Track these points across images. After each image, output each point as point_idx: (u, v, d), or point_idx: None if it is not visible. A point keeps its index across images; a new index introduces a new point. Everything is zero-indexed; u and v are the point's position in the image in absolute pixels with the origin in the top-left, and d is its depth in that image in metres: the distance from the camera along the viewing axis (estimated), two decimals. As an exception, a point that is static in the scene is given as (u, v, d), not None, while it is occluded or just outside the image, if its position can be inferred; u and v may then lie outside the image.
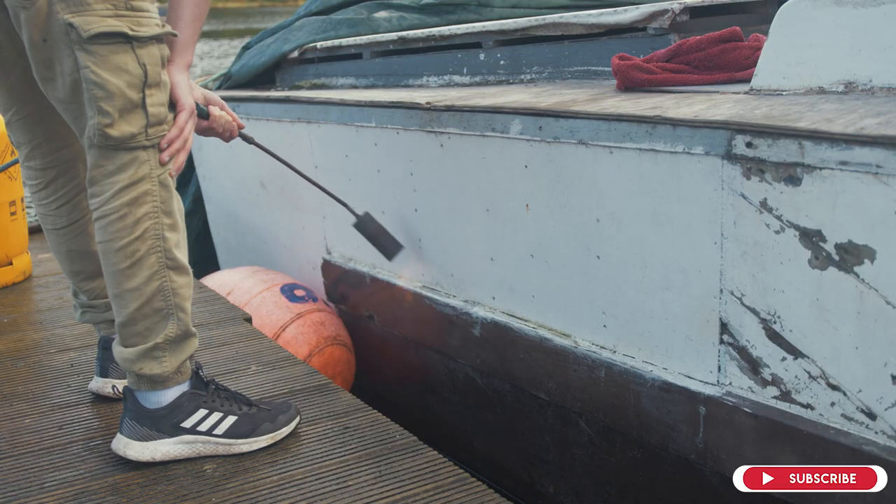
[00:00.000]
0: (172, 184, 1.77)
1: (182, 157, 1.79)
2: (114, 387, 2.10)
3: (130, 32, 1.64)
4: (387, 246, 2.62)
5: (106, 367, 2.12)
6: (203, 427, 1.83)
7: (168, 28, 1.73)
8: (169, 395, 1.80)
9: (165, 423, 1.80)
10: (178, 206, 1.79)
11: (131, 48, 1.65)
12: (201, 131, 2.04)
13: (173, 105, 1.77)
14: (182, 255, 1.79)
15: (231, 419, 1.86)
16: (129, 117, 1.66)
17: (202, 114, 1.99)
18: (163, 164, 1.74)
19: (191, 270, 1.82)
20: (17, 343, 2.62)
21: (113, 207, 1.69)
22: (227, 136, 2.09)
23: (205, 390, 1.86)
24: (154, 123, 1.70)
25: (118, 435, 1.82)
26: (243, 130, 2.17)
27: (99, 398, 2.16)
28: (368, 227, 2.62)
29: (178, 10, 1.77)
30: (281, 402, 1.99)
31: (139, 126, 1.68)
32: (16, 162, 3.03)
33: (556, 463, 2.33)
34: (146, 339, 1.76)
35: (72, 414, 2.09)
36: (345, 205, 2.61)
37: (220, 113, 2.05)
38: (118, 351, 1.79)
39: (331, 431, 1.97)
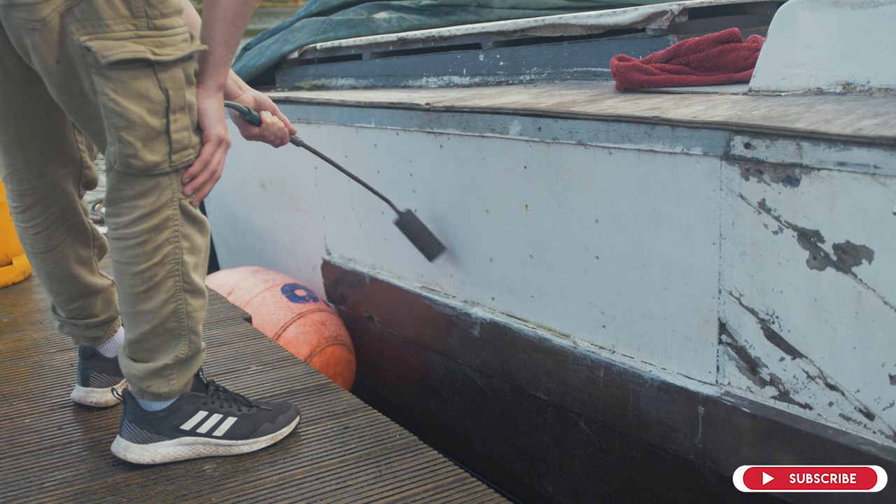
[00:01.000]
0: (194, 210, 1.71)
1: (207, 189, 1.71)
2: (113, 390, 2.10)
3: (153, 57, 1.54)
4: (429, 246, 2.49)
5: (87, 376, 2.08)
6: (203, 429, 1.83)
7: (196, 45, 1.62)
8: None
9: (165, 425, 1.80)
10: (200, 228, 1.73)
11: (153, 72, 1.55)
12: (252, 138, 1.92)
13: (201, 128, 1.68)
14: (199, 277, 1.74)
15: (231, 420, 1.86)
16: (152, 146, 1.59)
17: (254, 120, 1.88)
18: (185, 195, 1.67)
19: (206, 292, 1.79)
20: (17, 343, 2.62)
21: (133, 233, 1.64)
22: (277, 142, 1.97)
23: (204, 392, 1.86)
24: (178, 150, 1.62)
25: (118, 437, 1.83)
26: (295, 135, 2.04)
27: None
28: (410, 226, 2.48)
29: (210, 27, 1.64)
30: (280, 403, 1.99)
31: (162, 154, 1.60)
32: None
33: (555, 463, 2.34)
34: (155, 358, 1.75)
35: (72, 414, 2.09)
36: (388, 202, 2.46)
37: (273, 119, 1.92)
38: (126, 364, 1.77)
39: (331, 431, 1.97)
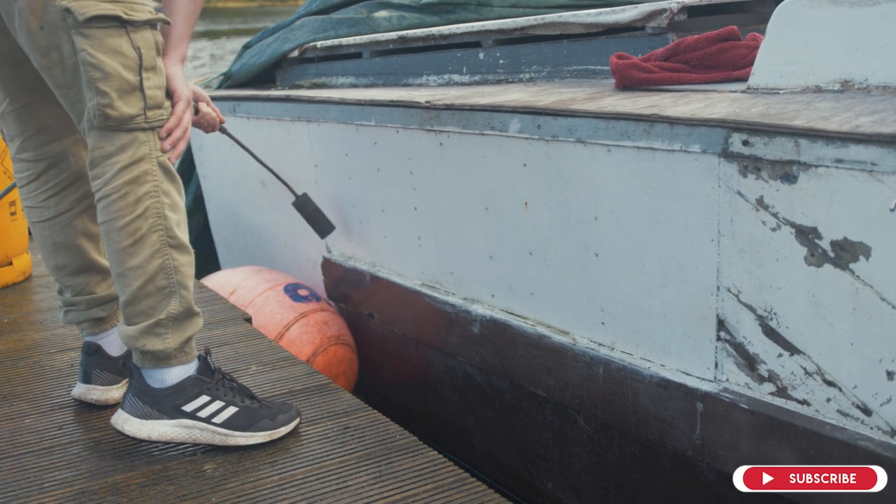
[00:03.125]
0: (172, 168, 1.81)
1: (182, 146, 1.84)
2: (122, 360, 2.10)
3: (125, 16, 1.69)
4: (322, 225, 2.91)
5: (89, 373, 2.09)
6: (203, 413, 1.85)
7: (161, 16, 1.78)
8: (174, 376, 1.83)
9: (167, 403, 1.82)
10: (178, 188, 1.83)
11: (126, 32, 1.70)
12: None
13: (170, 94, 1.82)
14: (183, 234, 1.82)
15: (232, 410, 1.87)
16: (127, 99, 1.71)
17: (193, 109, 2.09)
18: (163, 151, 1.79)
19: (192, 250, 1.85)
20: (17, 343, 2.63)
21: (114, 187, 1.73)
22: (209, 129, 2.25)
23: (210, 377, 1.87)
24: (152, 107, 1.75)
25: (119, 410, 1.85)
26: (224, 125, 2.33)
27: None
28: (306, 207, 2.90)
29: (173, 4, 1.83)
30: (282, 403, 1.99)
31: (138, 108, 1.73)
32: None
33: (554, 460, 2.34)
34: (149, 317, 1.79)
35: (72, 414, 2.09)
36: (286, 184, 2.79)
37: (207, 109, 2.19)
38: (122, 329, 1.82)
39: (331, 431, 1.97)
